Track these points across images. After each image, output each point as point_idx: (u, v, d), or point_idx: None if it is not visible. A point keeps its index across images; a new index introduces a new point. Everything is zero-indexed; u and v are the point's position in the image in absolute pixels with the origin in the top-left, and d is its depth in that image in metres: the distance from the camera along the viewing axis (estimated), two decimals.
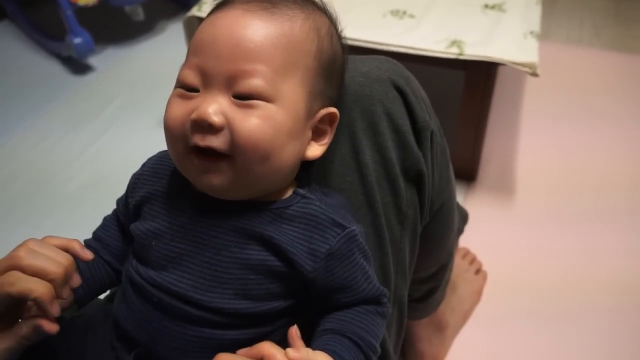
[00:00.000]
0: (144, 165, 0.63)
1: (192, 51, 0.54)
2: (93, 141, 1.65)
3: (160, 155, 0.62)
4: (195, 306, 0.53)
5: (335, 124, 0.59)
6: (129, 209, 0.61)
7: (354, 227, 0.56)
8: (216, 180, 0.52)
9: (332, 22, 0.59)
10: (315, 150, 0.57)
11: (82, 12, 1.85)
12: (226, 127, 0.50)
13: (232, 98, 0.51)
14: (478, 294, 1.21)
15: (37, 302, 0.49)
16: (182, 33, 1.51)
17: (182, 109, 0.52)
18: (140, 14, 1.95)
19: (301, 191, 0.57)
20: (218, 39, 0.52)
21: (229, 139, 0.50)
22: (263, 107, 0.51)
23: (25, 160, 1.59)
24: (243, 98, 0.51)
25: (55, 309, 0.50)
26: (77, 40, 1.81)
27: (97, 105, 1.79)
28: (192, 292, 0.53)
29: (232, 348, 0.50)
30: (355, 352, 0.53)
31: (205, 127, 0.50)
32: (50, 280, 0.50)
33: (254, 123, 0.50)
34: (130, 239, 0.61)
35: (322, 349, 0.51)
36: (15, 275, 0.49)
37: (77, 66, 1.95)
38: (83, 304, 0.60)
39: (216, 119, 0.50)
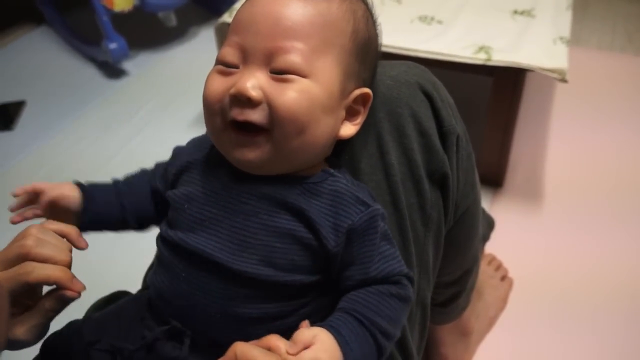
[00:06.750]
0: (188, 142, 0.65)
1: (232, 30, 0.55)
2: (126, 143, 1.69)
3: (204, 134, 0.64)
4: (219, 270, 0.54)
5: (369, 105, 0.59)
6: (166, 174, 0.63)
7: (378, 207, 0.56)
8: (251, 155, 0.53)
9: (368, 8, 0.61)
10: (348, 129, 0.58)
11: (117, 18, 1.90)
12: (264, 101, 0.52)
13: (269, 73, 0.53)
14: (503, 301, 1.20)
15: (58, 284, 0.53)
16: (213, 39, 1.54)
17: (221, 84, 0.54)
18: (173, 20, 1.99)
19: (330, 170, 0.58)
20: (257, 17, 0.54)
21: (267, 112, 0.52)
22: (299, 81, 0.52)
23: (62, 161, 1.64)
24: (280, 73, 0.52)
25: (78, 286, 0.54)
26: (113, 46, 1.86)
27: (130, 108, 1.83)
28: (217, 252, 0.54)
29: (253, 323, 0.55)
30: (355, 328, 0.52)
31: (243, 101, 0.52)
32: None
33: (291, 96, 0.52)
34: (153, 200, 0.65)
35: (323, 324, 0.51)
36: (31, 265, 0.52)
37: (112, 70, 2.01)
38: (85, 229, 0.63)
39: (254, 93, 0.51)
